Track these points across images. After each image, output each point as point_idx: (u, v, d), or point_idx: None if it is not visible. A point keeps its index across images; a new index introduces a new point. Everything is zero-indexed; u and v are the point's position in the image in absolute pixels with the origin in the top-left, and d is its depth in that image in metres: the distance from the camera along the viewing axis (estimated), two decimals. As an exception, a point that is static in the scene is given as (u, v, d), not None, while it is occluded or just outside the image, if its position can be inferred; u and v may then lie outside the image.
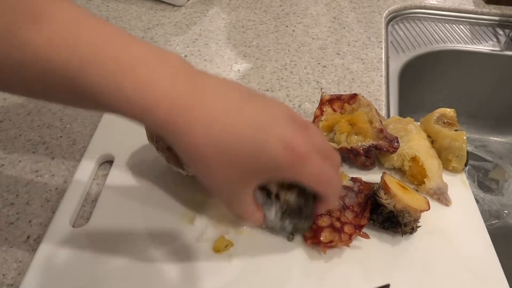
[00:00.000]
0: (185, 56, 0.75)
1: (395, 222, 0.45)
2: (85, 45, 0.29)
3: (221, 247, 0.44)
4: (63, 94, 0.31)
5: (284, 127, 0.34)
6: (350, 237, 0.44)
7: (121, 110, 0.31)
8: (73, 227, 0.46)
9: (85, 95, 0.30)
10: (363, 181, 0.49)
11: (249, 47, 0.78)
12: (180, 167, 0.47)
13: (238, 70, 0.72)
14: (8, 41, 0.28)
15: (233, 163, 0.33)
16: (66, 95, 0.32)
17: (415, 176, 0.51)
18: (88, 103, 0.32)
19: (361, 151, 0.50)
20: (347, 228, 0.44)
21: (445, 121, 0.55)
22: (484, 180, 0.88)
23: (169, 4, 0.89)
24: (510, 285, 0.43)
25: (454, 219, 0.48)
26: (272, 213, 0.41)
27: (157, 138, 0.47)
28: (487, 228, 0.47)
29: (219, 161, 0.33)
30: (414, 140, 0.53)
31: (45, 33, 0.29)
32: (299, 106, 0.65)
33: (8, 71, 0.30)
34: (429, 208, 0.47)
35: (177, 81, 0.32)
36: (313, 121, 0.55)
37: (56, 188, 0.52)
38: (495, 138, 0.98)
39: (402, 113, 0.66)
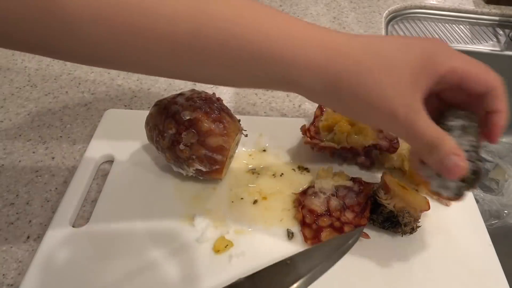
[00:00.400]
0: (185, 56, 0.75)
1: (395, 222, 0.45)
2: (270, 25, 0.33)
3: (221, 247, 0.44)
4: (246, 66, 0.34)
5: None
6: (350, 237, 0.44)
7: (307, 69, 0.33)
8: (73, 227, 0.46)
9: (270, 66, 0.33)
10: (363, 181, 0.49)
11: (249, 47, 0.78)
12: (180, 167, 0.47)
13: (238, 70, 0.72)
14: (198, 18, 0.31)
15: (393, 64, 0.34)
16: (249, 68, 0.34)
17: (415, 176, 0.51)
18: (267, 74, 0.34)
19: (361, 151, 0.50)
20: (347, 228, 0.44)
21: (445, 121, 0.55)
22: (484, 180, 0.88)
23: (169, 4, 0.89)
24: (510, 285, 0.43)
25: (454, 219, 0.48)
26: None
27: (157, 138, 0.47)
28: (487, 228, 0.47)
29: (381, 65, 0.34)
30: (414, 140, 0.53)
31: (231, 8, 0.32)
32: (299, 106, 0.65)
33: (200, 47, 0.32)
34: (429, 208, 0.47)
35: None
36: (313, 121, 0.55)
37: (56, 188, 0.52)
38: (495, 138, 0.98)
39: (402, 113, 0.66)
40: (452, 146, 0.34)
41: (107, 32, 0.30)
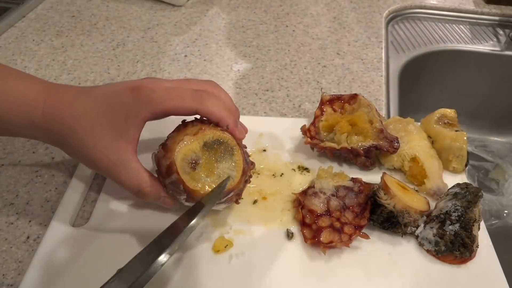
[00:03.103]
0: (185, 56, 0.75)
1: (395, 222, 0.45)
2: None
3: (221, 247, 0.44)
4: None
5: (131, 81, 0.41)
6: (350, 238, 0.44)
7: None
8: (73, 226, 0.46)
9: None
10: (363, 182, 0.49)
11: (249, 47, 0.78)
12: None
13: (238, 70, 0.72)
14: None
15: (96, 123, 0.39)
16: None
17: (415, 176, 0.51)
18: None
19: (361, 152, 0.50)
20: (347, 229, 0.44)
21: (446, 121, 0.55)
22: (484, 180, 0.88)
23: (169, 4, 0.89)
24: (510, 285, 0.43)
25: (454, 219, 0.48)
26: None
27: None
28: (487, 228, 0.47)
29: (85, 127, 0.39)
30: (414, 141, 0.53)
31: None
32: (299, 106, 0.65)
33: None
34: (429, 209, 0.47)
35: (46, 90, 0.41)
36: (313, 121, 0.55)
37: (56, 188, 0.52)
38: (495, 138, 0.98)
39: (402, 113, 0.66)
40: (153, 191, 0.42)
41: None
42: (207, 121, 0.43)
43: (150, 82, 0.41)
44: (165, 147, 0.41)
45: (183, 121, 0.44)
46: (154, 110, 0.39)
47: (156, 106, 0.39)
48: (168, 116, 0.41)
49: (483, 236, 0.46)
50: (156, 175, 0.42)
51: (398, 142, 0.51)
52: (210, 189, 0.41)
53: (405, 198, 0.45)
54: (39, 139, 0.43)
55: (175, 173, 0.40)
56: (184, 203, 0.42)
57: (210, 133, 0.42)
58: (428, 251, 0.45)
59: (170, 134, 0.43)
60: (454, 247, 0.43)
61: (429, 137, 0.55)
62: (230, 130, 0.42)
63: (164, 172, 0.40)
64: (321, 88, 0.69)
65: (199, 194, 0.40)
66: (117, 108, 0.39)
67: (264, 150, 0.55)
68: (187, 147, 0.40)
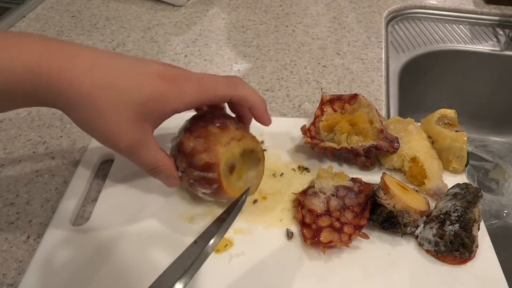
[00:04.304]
0: (185, 56, 0.75)
1: (394, 222, 0.45)
2: None
3: (221, 247, 0.44)
4: None
5: (156, 64, 0.39)
6: (350, 238, 0.44)
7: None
8: (73, 226, 0.46)
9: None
10: (363, 182, 0.49)
11: (249, 47, 0.78)
12: (194, 192, 0.46)
13: (238, 70, 0.72)
14: None
15: (121, 100, 0.36)
16: None
17: (415, 176, 0.51)
18: None
19: (361, 152, 0.50)
20: (346, 229, 0.44)
21: (446, 122, 0.55)
22: (484, 180, 0.88)
23: (169, 4, 0.89)
24: (510, 285, 0.43)
25: (454, 219, 0.48)
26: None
27: None
28: (487, 228, 0.47)
29: (108, 101, 0.36)
30: (414, 141, 0.53)
31: None
32: (299, 106, 0.65)
33: None
34: (429, 209, 0.47)
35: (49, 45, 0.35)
36: (314, 121, 0.55)
37: (56, 188, 0.52)
38: (495, 138, 0.98)
39: (402, 113, 0.66)
40: (168, 170, 0.42)
41: None
42: (231, 117, 0.45)
43: (183, 74, 0.39)
44: (208, 142, 0.41)
45: (208, 112, 0.45)
46: (188, 101, 0.39)
47: (190, 98, 0.39)
48: (201, 106, 0.41)
49: (483, 236, 0.46)
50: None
51: (398, 142, 0.51)
52: (238, 193, 0.44)
53: (405, 198, 0.45)
54: (43, 105, 0.37)
55: (215, 173, 0.41)
56: (202, 195, 0.44)
57: (250, 142, 0.44)
58: (427, 251, 0.45)
59: (198, 122, 0.43)
60: (454, 247, 0.43)
61: (429, 137, 0.55)
62: (260, 115, 0.44)
63: (200, 165, 0.41)
64: (321, 88, 0.69)
65: (227, 196, 0.44)
66: (146, 92, 0.37)
67: (264, 150, 0.55)
68: (231, 152, 0.42)
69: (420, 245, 0.45)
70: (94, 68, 0.36)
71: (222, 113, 0.45)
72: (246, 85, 0.42)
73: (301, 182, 0.52)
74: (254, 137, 0.45)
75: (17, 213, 0.49)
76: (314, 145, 0.53)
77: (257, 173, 0.47)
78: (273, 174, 0.52)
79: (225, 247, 0.44)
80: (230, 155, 0.42)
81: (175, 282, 0.34)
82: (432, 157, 0.52)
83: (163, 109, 0.38)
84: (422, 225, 0.45)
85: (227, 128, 0.43)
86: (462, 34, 0.89)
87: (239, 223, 0.47)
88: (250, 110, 0.43)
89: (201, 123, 0.43)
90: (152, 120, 0.39)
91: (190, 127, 0.43)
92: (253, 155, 0.46)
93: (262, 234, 0.46)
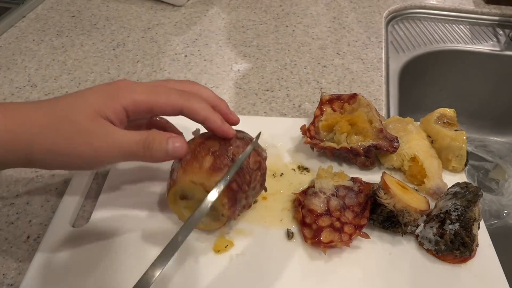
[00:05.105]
0: (185, 56, 0.75)
1: (395, 222, 0.45)
2: None
3: (221, 247, 0.44)
4: None
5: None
6: (350, 237, 0.44)
7: None
8: (73, 227, 0.46)
9: None
10: (363, 181, 0.49)
11: (249, 47, 0.78)
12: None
13: (238, 70, 0.72)
14: None
15: (79, 104, 0.37)
16: None
17: (414, 176, 0.51)
18: None
19: (361, 151, 0.50)
20: (347, 228, 0.44)
21: (445, 121, 0.55)
22: (484, 180, 0.88)
23: (169, 4, 0.89)
24: (510, 285, 0.43)
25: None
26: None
27: None
28: (487, 228, 0.47)
29: (69, 111, 0.36)
30: (414, 140, 0.53)
31: None
32: (299, 106, 0.65)
33: None
34: (429, 208, 0.47)
35: None
36: (313, 121, 0.55)
37: (56, 188, 0.52)
38: (495, 138, 0.98)
39: (402, 113, 0.66)
40: (159, 134, 0.38)
41: None
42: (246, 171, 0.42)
43: (129, 81, 0.39)
44: (190, 159, 0.41)
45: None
46: (136, 99, 0.37)
47: (138, 96, 0.38)
48: (150, 113, 0.39)
49: (483, 236, 0.46)
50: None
51: (397, 142, 0.51)
52: (179, 214, 0.44)
53: (405, 197, 0.45)
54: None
55: (174, 179, 0.41)
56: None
57: (219, 201, 0.40)
58: (428, 250, 0.45)
59: (215, 138, 0.42)
60: (454, 246, 0.43)
61: (428, 136, 0.55)
62: (216, 128, 0.41)
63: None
64: (321, 88, 0.69)
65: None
66: (95, 94, 0.37)
67: (264, 150, 0.55)
68: (189, 187, 0.41)
69: (421, 244, 0.45)
70: (35, 108, 0.37)
71: (244, 165, 0.42)
72: (199, 99, 0.41)
73: (301, 182, 0.52)
74: (232, 207, 0.42)
75: (17, 213, 0.49)
76: (314, 145, 0.53)
77: (214, 222, 0.44)
78: (273, 174, 0.52)
79: (225, 247, 0.44)
80: (187, 188, 0.41)
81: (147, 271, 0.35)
82: (431, 156, 0.52)
83: (114, 103, 0.37)
84: (422, 225, 0.45)
85: (217, 169, 0.40)
86: (462, 34, 0.89)
87: (239, 223, 0.47)
88: (204, 125, 0.41)
89: (210, 141, 0.42)
90: (108, 117, 0.37)
91: (206, 134, 0.43)
92: (215, 212, 0.42)
93: (262, 234, 0.46)
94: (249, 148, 0.43)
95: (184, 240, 0.37)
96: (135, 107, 0.38)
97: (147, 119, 0.46)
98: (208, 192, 0.39)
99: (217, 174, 0.40)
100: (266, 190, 0.46)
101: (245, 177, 0.42)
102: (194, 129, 0.45)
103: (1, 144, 0.35)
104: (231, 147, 0.42)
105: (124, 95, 0.38)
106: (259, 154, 0.44)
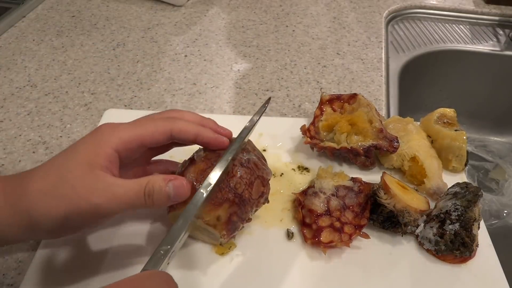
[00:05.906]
0: (185, 56, 0.75)
1: (395, 222, 0.45)
2: None
3: (225, 249, 0.44)
4: None
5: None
6: (350, 237, 0.44)
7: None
8: (73, 227, 0.46)
9: None
10: (363, 181, 0.49)
11: (249, 47, 0.78)
12: None
13: (238, 70, 0.72)
14: None
15: (68, 162, 0.36)
16: None
17: (414, 176, 0.51)
18: None
19: (361, 151, 0.50)
20: (347, 228, 0.44)
21: (445, 121, 0.55)
22: (484, 180, 0.88)
23: (169, 4, 0.89)
24: (510, 285, 0.43)
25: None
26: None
27: None
28: (487, 228, 0.47)
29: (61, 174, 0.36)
30: (414, 140, 0.53)
31: None
32: (299, 106, 0.65)
33: None
34: (429, 208, 0.47)
35: None
36: (313, 121, 0.55)
37: (56, 188, 0.52)
38: (495, 138, 0.98)
39: (402, 113, 0.66)
40: (158, 179, 0.36)
41: None
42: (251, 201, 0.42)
43: (111, 123, 0.39)
44: (194, 172, 0.40)
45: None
46: (122, 137, 0.37)
47: (124, 134, 0.37)
48: (143, 146, 0.39)
49: (483, 236, 0.46)
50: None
51: (397, 142, 0.51)
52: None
53: (405, 197, 0.45)
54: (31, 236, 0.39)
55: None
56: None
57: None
58: (428, 250, 0.45)
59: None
60: (454, 246, 0.43)
61: (428, 136, 0.55)
62: (210, 139, 0.41)
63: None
64: (321, 88, 0.69)
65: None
66: (85, 145, 0.37)
67: (264, 150, 0.55)
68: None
69: (421, 244, 0.45)
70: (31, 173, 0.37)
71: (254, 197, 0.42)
72: (183, 120, 0.40)
73: (301, 182, 0.52)
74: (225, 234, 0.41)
75: (17, 213, 0.49)
76: (314, 145, 0.53)
77: (211, 240, 0.44)
78: (273, 174, 0.52)
79: (229, 249, 0.44)
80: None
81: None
82: (431, 156, 0.52)
83: (104, 149, 0.37)
84: (422, 225, 0.45)
85: (217, 204, 0.39)
86: (462, 34, 0.89)
87: (239, 223, 0.47)
88: (197, 141, 0.41)
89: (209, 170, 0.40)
90: (102, 166, 0.36)
91: (201, 165, 0.41)
92: (213, 236, 0.42)
93: (263, 234, 0.46)
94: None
95: (185, 225, 0.36)
96: (124, 144, 0.37)
97: (147, 163, 0.45)
98: (208, 225, 0.39)
99: (218, 209, 0.39)
100: (268, 202, 0.45)
101: (246, 208, 0.41)
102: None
103: (2, 219, 0.35)
104: (234, 178, 0.40)
105: (109, 137, 0.37)
106: (263, 183, 0.43)
